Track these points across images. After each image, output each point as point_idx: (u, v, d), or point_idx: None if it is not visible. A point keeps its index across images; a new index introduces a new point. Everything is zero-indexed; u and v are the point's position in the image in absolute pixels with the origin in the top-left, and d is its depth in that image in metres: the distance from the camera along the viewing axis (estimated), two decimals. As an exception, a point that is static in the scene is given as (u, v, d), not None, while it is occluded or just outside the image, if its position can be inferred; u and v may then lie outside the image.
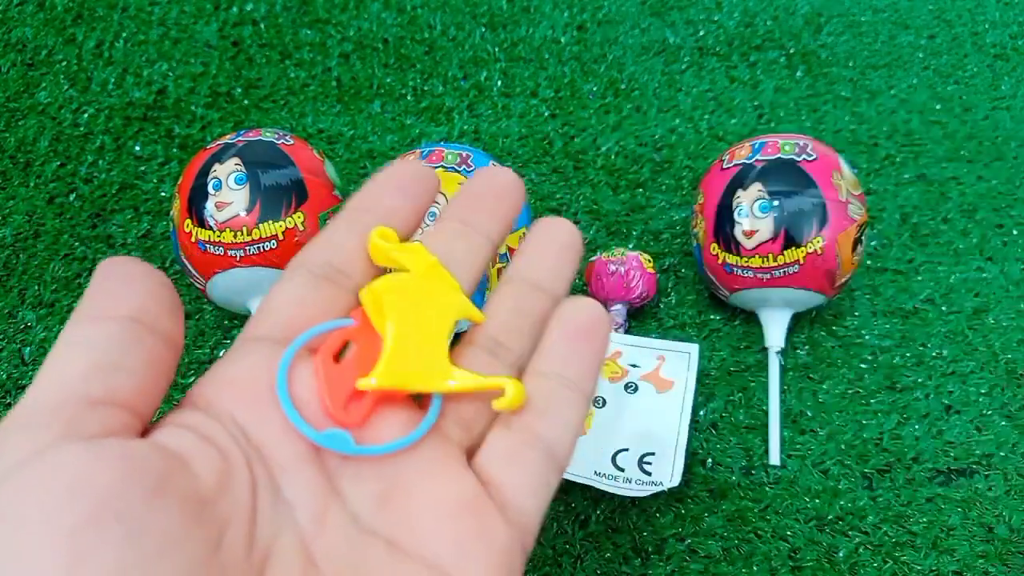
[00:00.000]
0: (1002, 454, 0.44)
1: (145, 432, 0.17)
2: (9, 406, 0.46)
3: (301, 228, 0.43)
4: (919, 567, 0.41)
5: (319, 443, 0.18)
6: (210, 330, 0.49)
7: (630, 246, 0.53)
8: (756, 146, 0.45)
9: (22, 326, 0.49)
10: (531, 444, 0.20)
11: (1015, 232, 0.53)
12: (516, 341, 0.21)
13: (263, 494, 0.17)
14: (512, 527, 0.19)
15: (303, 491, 0.18)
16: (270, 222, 0.42)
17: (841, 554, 0.41)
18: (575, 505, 0.43)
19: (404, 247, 0.20)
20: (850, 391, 0.47)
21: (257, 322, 0.20)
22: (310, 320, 0.20)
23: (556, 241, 0.22)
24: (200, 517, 0.16)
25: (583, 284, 0.51)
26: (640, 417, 0.44)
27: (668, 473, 0.42)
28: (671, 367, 0.46)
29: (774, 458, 0.44)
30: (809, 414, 0.46)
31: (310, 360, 0.19)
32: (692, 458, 0.44)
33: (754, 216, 0.43)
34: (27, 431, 0.15)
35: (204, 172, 0.43)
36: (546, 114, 0.59)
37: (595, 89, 0.61)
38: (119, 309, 0.17)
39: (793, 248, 0.43)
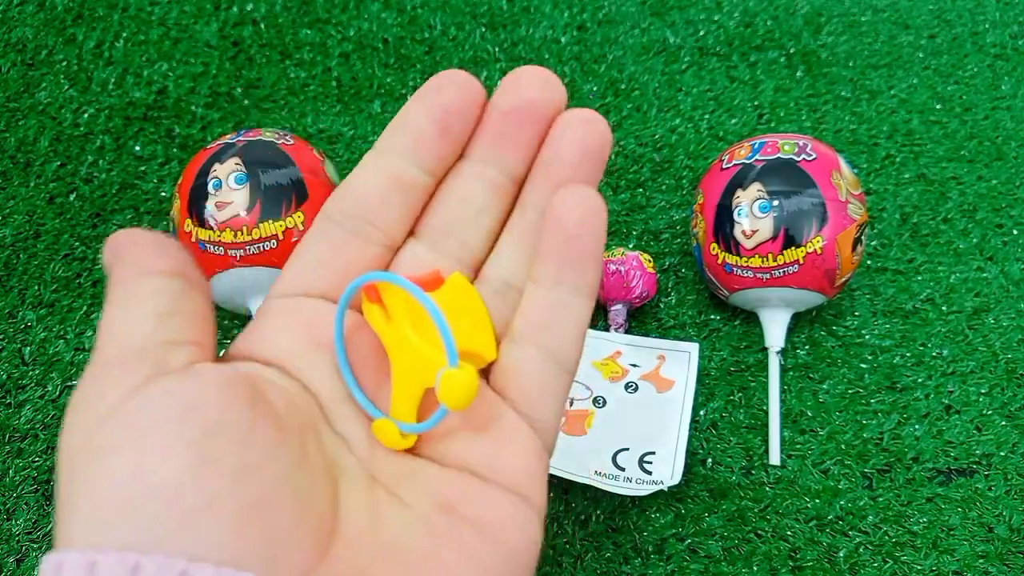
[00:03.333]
0: (1002, 454, 0.44)
1: None
2: (9, 406, 0.46)
3: (301, 228, 0.43)
4: (919, 567, 0.41)
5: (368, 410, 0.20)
6: (210, 330, 0.49)
7: (630, 246, 0.53)
8: (756, 146, 0.45)
9: (22, 326, 0.49)
10: (537, 357, 0.20)
11: (1015, 232, 0.53)
12: (526, 278, 0.21)
13: (322, 424, 0.19)
14: (533, 431, 0.20)
15: (351, 423, 0.20)
16: (270, 222, 0.42)
17: (841, 554, 0.41)
18: (575, 505, 0.43)
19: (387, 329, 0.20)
20: (850, 391, 0.47)
21: (284, 280, 0.21)
22: (336, 278, 0.20)
23: (573, 148, 0.20)
24: (285, 427, 0.17)
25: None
26: (640, 416, 0.44)
27: (668, 472, 0.42)
28: (671, 367, 0.46)
29: (774, 458, 0.44)
30: (809, 414, 0.46)
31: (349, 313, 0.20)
32: (692, 458, 0.44)
33: (754, 216, 0.43)
34: (125, 366, 0.17)
35: (204, 172, 0.43)
36: (546, 114, 0.59)
37: (595, 89, 0.61)
38: (162, 264, 0.19)
39: (793, 248, 0.43)
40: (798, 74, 0.62)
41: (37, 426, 0.45)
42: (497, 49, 0.63)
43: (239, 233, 0.42)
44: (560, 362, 0.20)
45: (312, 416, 0.19)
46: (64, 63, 0.62)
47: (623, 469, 0.42)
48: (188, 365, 0.18)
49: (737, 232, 0.44)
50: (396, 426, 0.19)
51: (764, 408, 0.46)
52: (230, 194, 0.42)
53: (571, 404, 0.45)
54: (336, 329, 0.19)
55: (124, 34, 0.64)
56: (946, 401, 0.46)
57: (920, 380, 0.47)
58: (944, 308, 0.50)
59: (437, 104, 0.20)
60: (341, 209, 0.21)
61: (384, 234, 0.21)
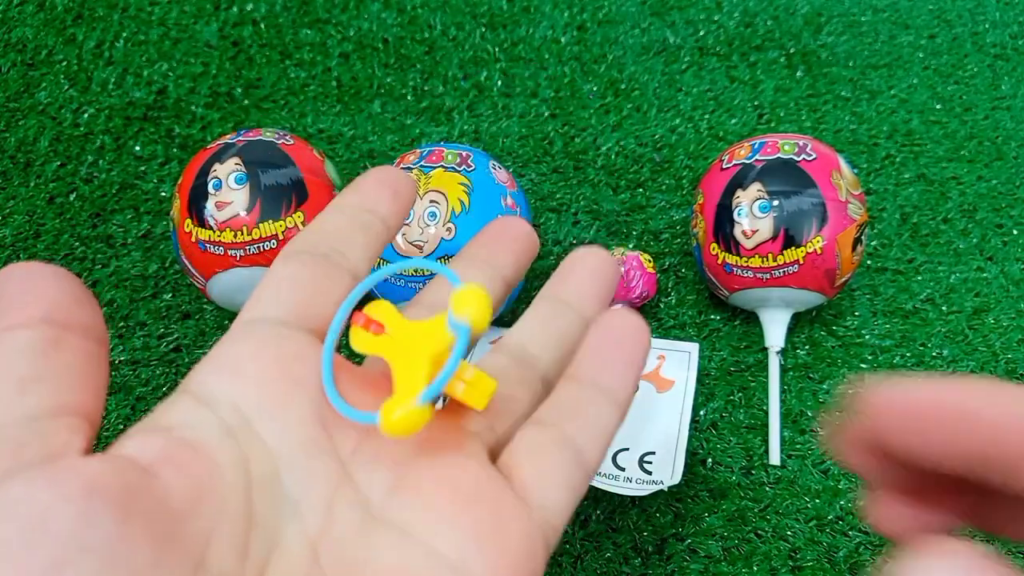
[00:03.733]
0: (1002, 454, 0.44)
1: (99, 436, 0.16)
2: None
3: (301, 228, 0.43)
4: (919, 567, 0.41)
5: (358, 420, 0.17)
6: (210, 330, 0.49)
7: (630, 246, 0.53)
8: (756, 146, 0.45)
9: (22, 326, 0.49)
10: (558, 442, 0.19)
11: (1015, 232, 0.53)
12: (542, 350, 0.22)
13: (260, 492, 0.16)
14: (533, 520, 0.18)
15: (310, 481, 0.17)
16: (270, 222, 0.42)
17: (841, 554, 0.41)
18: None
19: (378, 342, 0.19)
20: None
21: (255, 304, 0.19)
22: (311, 299, 0.19)
23: (586, 266, 0.23)
24: (174, 536, 0.14)
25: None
26: (640, 416, 0.44)
27: (668, 472, 0.42)
28: (671, 366, 0.46)
29: (774, 458, 0.44)
30: (809, 414, 0.46)
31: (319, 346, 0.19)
32: (692, 458, 0.44)
33: (753, 216, 0.43)
34: None
35: (204, 172, 0.43)
36: (546, 114, 0.59)
37: (595, 89, 0.61)
38: (28, 314, 0.16)
39: (793, 248, 0.43)
40: (798, 74, 0.62)
41: (37, 426, 0.45)
42: (497, 49, 0.63)
43: (239, 233, 0.42)
44: (579, 455, 0.19)
45: (240, 491, 0.16)
46: (64, 63, 0.62)
47: (623, 469, 0.42)
48: (51, 453, 0.14)
49: (737, 232, 0.44)
50: (408, 402, 0.17)
51: (764, 408, 0.46)
52: (230, 194, 0.42)
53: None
54: (330, 334, 0.18)
55: (124, 34, 0.64)
56: (946, 401, 0.46)
57: (920, 380, 0.47)
58: (944, 308, 0.50)
59: (385, 176, 0.22)
60: (305, 242, 0.20)
61: (349, 262, 0.20)
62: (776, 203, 0.43)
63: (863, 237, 0.44)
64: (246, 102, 0.60)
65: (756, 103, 0.60)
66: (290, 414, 0.17)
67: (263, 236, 0.42)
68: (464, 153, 0.45)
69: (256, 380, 0.17)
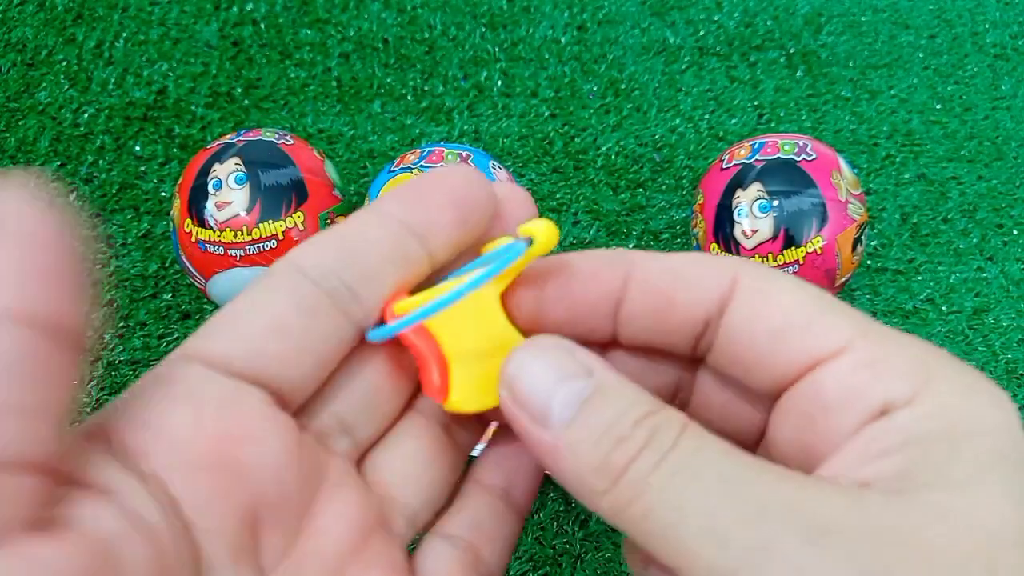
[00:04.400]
0: (1002, 454, 0.44)
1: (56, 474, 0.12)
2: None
3: (301, 228, 0.43)
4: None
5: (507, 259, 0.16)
6: (210, 330, 0.49)
7: (630, 246, 0.53)
8: (756, 146, 0.45)
9: (22, 326, 0.49)
10: (470, 564, 0.17)
11: (1015, 232, 0.53)
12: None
13: None
14: None
15: None
16: (270, 222, 0.42)
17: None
18: (575, 505, 0.43)
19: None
20: (850, 391, 0.47)
21: (215, 328, 0.15)
22: (287, 347, 0.15)
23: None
24: None
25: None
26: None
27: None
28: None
29: (774, 458, 0.44)
30: (809, 414, 0.46)
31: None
32: (692, 458, 0.44)
33: (753, 216, 0.43)
34: None
35: (204, 172, 0.43)
36: (546, 114, 0.59)
37: (595, 89, 0.61)
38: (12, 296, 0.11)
39: (793, 248, 0.43)
40: (798, 74, 0.62)
41: (37, 426, 0.45)
42: (497, 49, 0.63)
43: (239, 233, 0.42)
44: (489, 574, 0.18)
45: None
46: (64, 63, 0.62)
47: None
48: None
49: (737, 232, 0.44)
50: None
51: (764, 408, 0.46)
52: (230, 194, 0.42)
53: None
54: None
55: (124, 34, 0.64)
56: (946, 401, 0.46)
57: (920, 380, 0.47)
58: (944, 308, 0.50)
59: (462, 188, 0.16)
60: (316, 259, 0.15)
61: (361, 310, 0.16)
62: (776, 203, 0.43)
63: (863, 237, 0.44)
64: (246, 102, 0.60)
65: (756, 103, 0.60)
66: (223, 506, 0.14)
67: (263, 236, 0.42)
68: (464, 153, 0.45)
69: (192, 460, 0.14)
